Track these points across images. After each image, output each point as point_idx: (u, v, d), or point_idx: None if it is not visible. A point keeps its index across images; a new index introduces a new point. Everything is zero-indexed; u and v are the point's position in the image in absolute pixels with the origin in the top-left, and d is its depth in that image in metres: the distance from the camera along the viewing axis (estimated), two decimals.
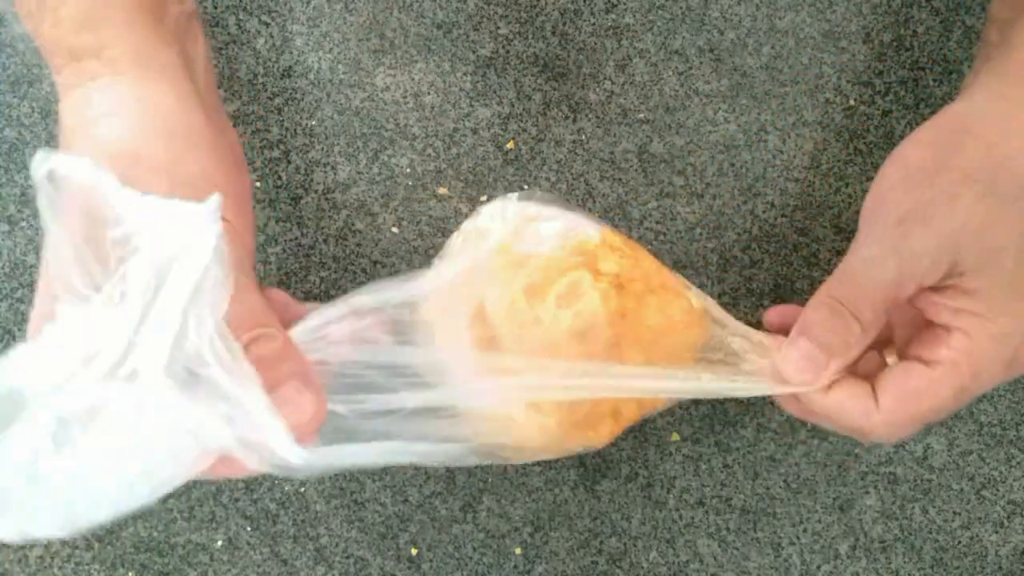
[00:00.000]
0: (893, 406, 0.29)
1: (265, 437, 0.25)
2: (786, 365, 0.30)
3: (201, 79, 0.33)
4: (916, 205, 0.29)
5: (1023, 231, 0.28)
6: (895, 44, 0.44)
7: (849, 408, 0.30)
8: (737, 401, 0.42)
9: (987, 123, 0.30)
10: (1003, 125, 0.29)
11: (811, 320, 0.30)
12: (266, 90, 0.44)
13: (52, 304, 0.25)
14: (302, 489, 0.42)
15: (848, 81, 0.44)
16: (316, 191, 0.44)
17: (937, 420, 0.29)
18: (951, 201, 0.28)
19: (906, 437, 0.30)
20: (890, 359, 0.33)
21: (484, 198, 0.43)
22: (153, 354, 0.23)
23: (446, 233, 0.43)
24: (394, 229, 0.43)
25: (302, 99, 0.44)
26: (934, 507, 0.42)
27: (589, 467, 0.42)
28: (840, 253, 0.35)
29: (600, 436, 0.33)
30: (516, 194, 0.34)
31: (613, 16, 0.44)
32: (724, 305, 0.35)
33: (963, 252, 0.28)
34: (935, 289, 0.29)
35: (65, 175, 0.25)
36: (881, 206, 0.30)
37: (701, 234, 0.43)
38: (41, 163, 0.25)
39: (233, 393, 0.24)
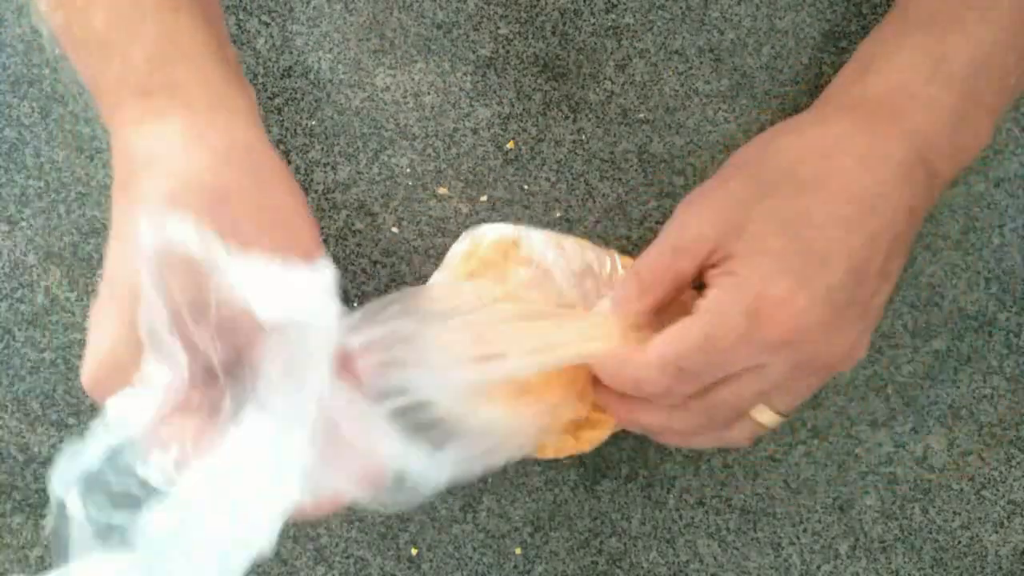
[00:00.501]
0: (654, 349, 0.32)
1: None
2: (616, 301, 0.35)
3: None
4: (703, 188, 0.35)
5: (777, 210, 0.32)
6: None
7: (628, 359, 0.33)
8: None
9: (789, 122, 0.36)
10: (790, 122, 0.36)
11: (620, 283, 0.36)
12: (266, 90, 0.44)
13: (133, 346, 0.28)
14: None
15: None
16: (316, 191, 0.44)
17: (696, 368, 0.32)
18: (722, 184, 0.34)
19: (671, 387, 0.32)
20: None
21: (484, 198, 0.43)
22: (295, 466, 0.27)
23: (446, 233, 0.43)
24: (394, 229, 0.43)
25: (302, 99, 0.44)
26: (934, 507, 0.42)
27: (589, 467, 0.42)
28: None
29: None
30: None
31: (613, 16, 0.44)
32: None
33: (725, 227, 0.32)
34: (712, 267, 0.33)
35: (172, 240, 0.26)
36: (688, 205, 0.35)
37: None
38: (154, 232, 0.26)
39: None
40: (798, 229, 0.31)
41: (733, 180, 0.34)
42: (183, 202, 0.28)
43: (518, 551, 0.42)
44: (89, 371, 0.28)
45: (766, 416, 0.33)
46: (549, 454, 0.39)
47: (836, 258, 0.31)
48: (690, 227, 0.33)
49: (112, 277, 0.29)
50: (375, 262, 0.43)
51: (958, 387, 0.42)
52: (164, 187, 0.29)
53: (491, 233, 0.38)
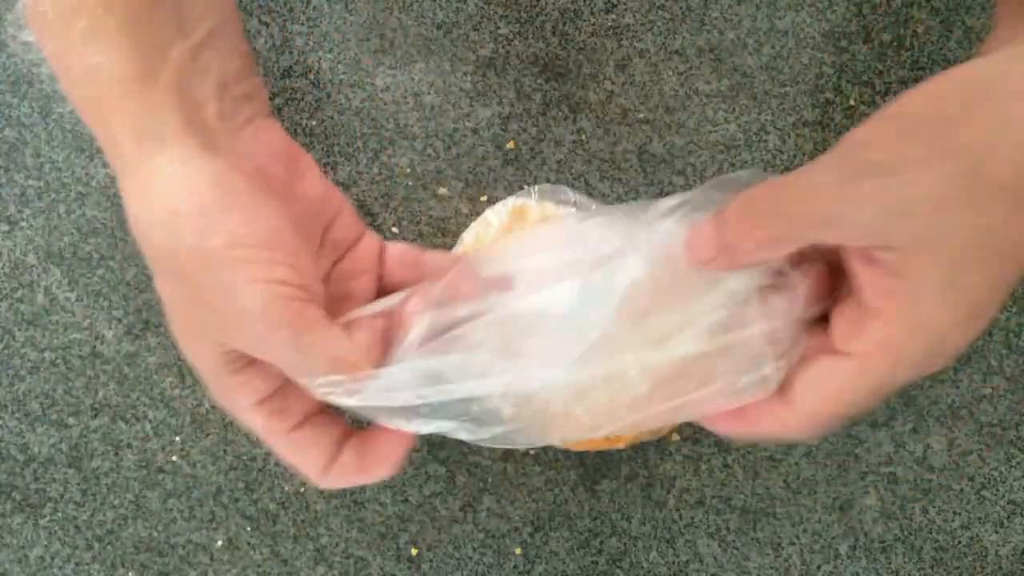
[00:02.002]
0: (811, 409, 0.27)
1: None
2: (691, 238, 0.29)
3: (215, 106, 0.31)
4: (888, 156, 0.25)
5: (986, 227, 0.24)
6: (895, 44, 0.44)
7: (764, 422, 0.28)
8: None
9: (1000, 95, 0.24)
10: (1018, 103, 0.24)
11: (728, 209, 0.28)
12: (266, 90, 0.44)
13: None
14: (302, 489, 0.42)
15: (848, 81, 0.44)
16: None
17: (857, 411, 0.27)
18: (923, 166, 0.24)
19: (823, 433, 0.29)
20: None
21: (484, 198, 0.43)
22: None
23: (446, 233, 0.43)
24: (394, 229, 0.43)
25: (302, 99, 0.44)
26: (934, 507, 0.42)
27: (589, 467, 0.42)
28: None
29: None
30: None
31: (613, 16, 0.44)
32: None
33: (908, 223, 0.24)
34: (865, 258, 0.26)
35: None
36: (854, 143, 0.26)
37: None
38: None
39: None
40: (991, 260, 0.24)
41: (937, 167, 0.24)
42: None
43: (518, 551, 0.42)
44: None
45: None
46: (579, 447, 0.39)
47: (1015, 283, 0.25)
48: (861, 202, 0.24)
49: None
50: None
51: (958, 387, 0.42)
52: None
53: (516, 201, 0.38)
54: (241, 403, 0.29)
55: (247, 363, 0.29)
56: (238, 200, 0.28)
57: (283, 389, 0.29)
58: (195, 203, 0.27)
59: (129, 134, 0.28)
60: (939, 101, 0.25)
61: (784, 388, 0.28)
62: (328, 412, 0.31)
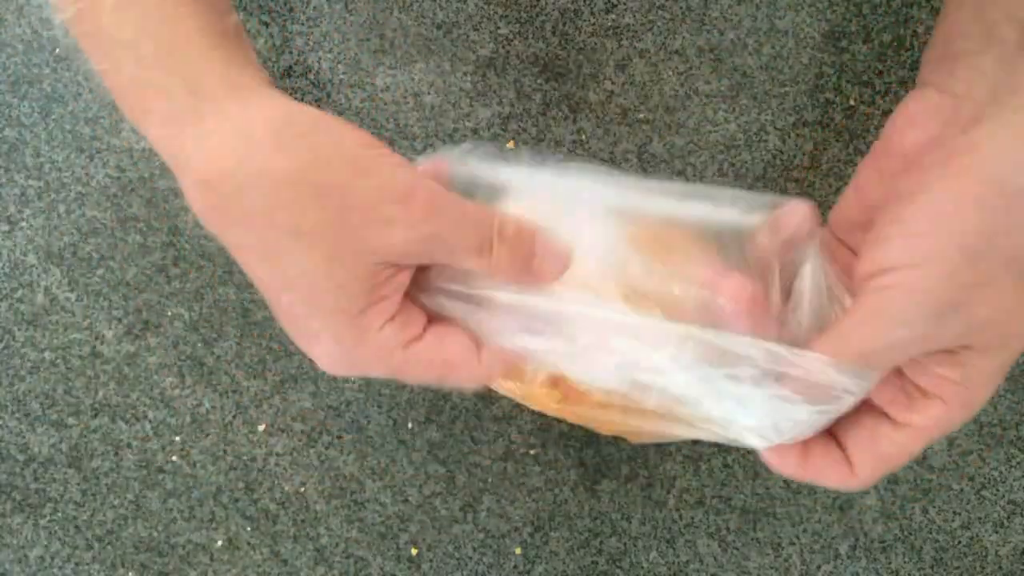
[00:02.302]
0: (870, 473, 0.30)
1: None
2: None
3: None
4: (957, 293, 0.27)
5: None
6: (895, 44, 0.44)
7: (829, 477, 0.30)
8: None
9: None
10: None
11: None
12: None
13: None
14: (302, 489, 0.42)
15: (848, 81, 0.44)
16: None
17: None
18: (988, 286, 0.27)
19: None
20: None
21: None
22: None
23: None
24: None
25: (302, 99, 0.44)
26: (934, 507, 0.42)
27: (589, 467, 0.42)
28: None
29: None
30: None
31: (613, 16, 0.44)
32: None
33: (984, 333, 0.27)
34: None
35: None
36: (919, 285, 0.27)
37: None
38: None
39: None
40: None
41: (1002, 281, 0.27)
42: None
43: (518, 551, 0.42)
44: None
45: None
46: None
47: None
48: (944, 334, 0.27)
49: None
50: None
51: None
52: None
53: None
54: (375, 324, 0.29)
55: (389, 276, 0.28)
56: (340, 120, 0.29)
57: (405, 305, 0.30)
58: (318, 123, 0.28)
59: (219, 81, 0.28)
60: (977, 211, 0.27)
61: (839, 441, 0.31)
62: (444, 319, 0.31)
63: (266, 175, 0.27)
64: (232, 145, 0.27)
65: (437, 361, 0.29)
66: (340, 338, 0.28)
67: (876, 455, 0.29)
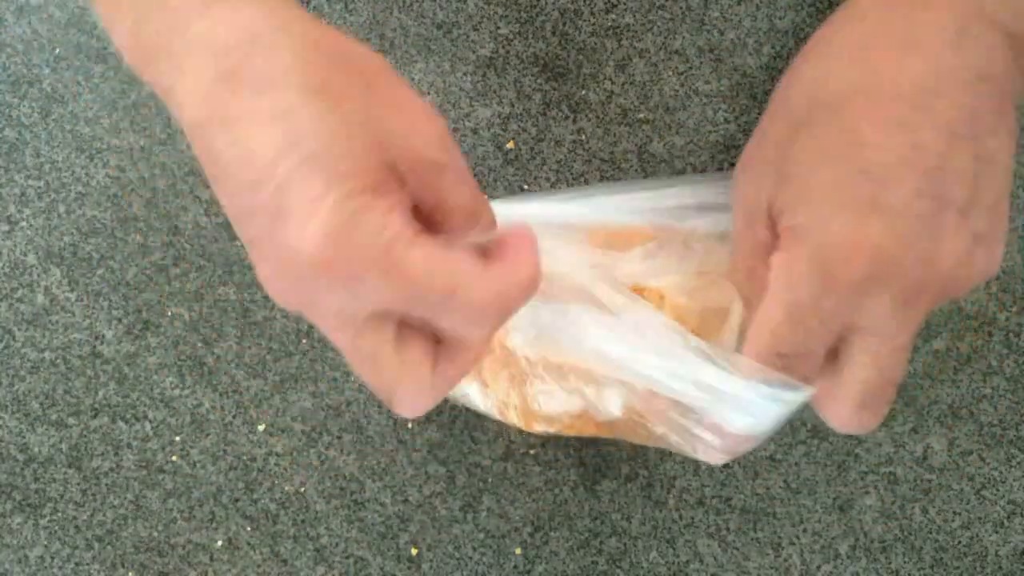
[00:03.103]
0: (748, 351, 0.29)
1: None
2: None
3: None
4: (749, 144, 0.31)
5: (816, 140, 0.27)
6: None
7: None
8: None
9: (815, 39, 0.30)
10: (815, 39, 0.29)
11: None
12: None
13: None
14: (302, 489, 0.42)
15: None
16: None
17: (794, 348, 0.28)
18: (760, 135, 0.30)
19: (776, 379, 0.29)
20: None
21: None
22: None
23: None
24: None
25: None
26: (934, 507, 0.42)
27: (589, 467, 0.42)
28: None
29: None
30: None
31: (613, 16, 0.44)
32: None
33: (773, 179, 0.28)
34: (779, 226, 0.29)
35: None
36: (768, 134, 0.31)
37: None
38: None
39: None
40: (844, 151, 0.27)
41: (769, 126, 0.30)
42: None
43: (518, 551, 0.42)
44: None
45: None
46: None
47: (902, 165, 0.26)
48: (747, 193, 0.30)
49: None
50: None
51: (958, 387, 0.42)
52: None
53: None
54: (383, 204, 0.24)
55: (397, 187, 0.26)
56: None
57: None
58: (324, 28, 0.27)
59: None
60: (777, 88, 0.31)
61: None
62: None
63: (290, 32, 0.25)
64: (249, 13, 0.25)
65: (444, 270, 0.25)
66: (341, 207, 0.24)
67: (752, 331, 0.29)
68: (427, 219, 0.27)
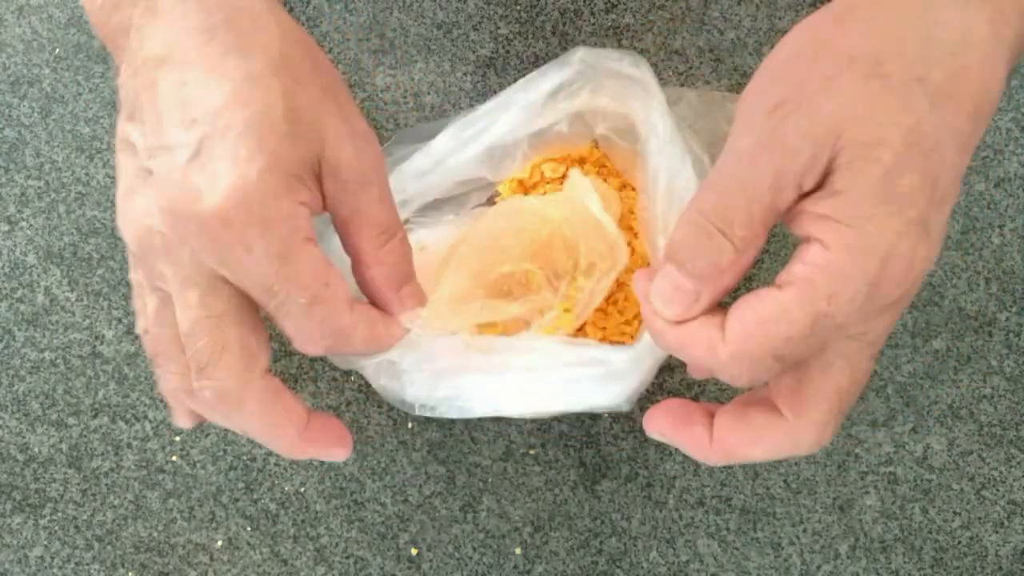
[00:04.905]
0: (740, 337, 0.24)
1: None
2: (655, 297, 0.26)
3: None
4: (793, 89, 0.24)
5: (910, 125, 0.23)
6: None
7: (694, 341, 0.26)
8: None
9: (875, 3, 0.25)
10: (893, 4, 0.25)
11: (678, 242, 0.26)
12: None
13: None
14: (302, 489, 0.42)
15: None
16: None
17: (797, 355, 0.24)
18: (830, 82, 0.24)
19: (761, 379, 0.25)
20: None
21: None
22: None
23: None
24: None
25: None
26: (934, 507, 0.42)
27: (589, 467, 0.42)
28: None
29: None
30: None
31: (613, 16, 0.44)
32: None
33: (843, 141, 0.23)
34: (805, 194, 0.24)
35: None
36: (756, 95, 0.25)
37: None
38: None
39: None
40: (927, 159, 0.23)
41: (843, 77, 0.24)
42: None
43: (518, 551, 0.42)
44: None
45: None
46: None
47: (951, 191, 0.24)
48: (797, 149, 0.23)
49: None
50: None
51: (958, 387, 0.42)
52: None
53: None
54: (303, 195, 0.27)
55: (308, 196, 0.27)
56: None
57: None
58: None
59: None
60: (812, 30, 0.27)
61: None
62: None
63: (278, 19, 0.27)
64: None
65: (322, 282, 0.26)
66: (261, 177, 0.25)
67: (749, 319, 0.24)
68: (339, 230, 0.30)
